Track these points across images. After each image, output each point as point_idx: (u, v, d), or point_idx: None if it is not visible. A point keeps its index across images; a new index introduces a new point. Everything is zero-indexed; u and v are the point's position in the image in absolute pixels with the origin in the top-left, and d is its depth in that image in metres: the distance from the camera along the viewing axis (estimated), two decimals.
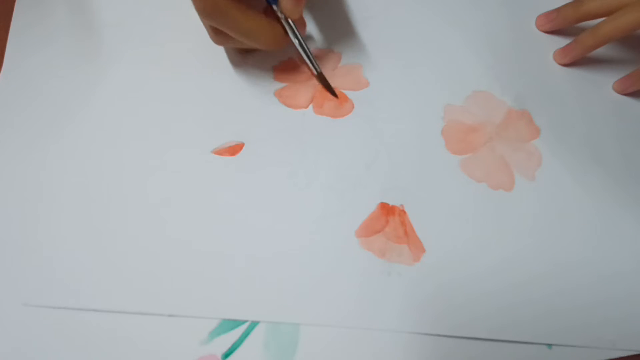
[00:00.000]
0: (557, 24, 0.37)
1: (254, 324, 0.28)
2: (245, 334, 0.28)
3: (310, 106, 0.34)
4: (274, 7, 0.31)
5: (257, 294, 0.29)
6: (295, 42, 0.32)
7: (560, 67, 0.37)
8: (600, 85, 0.37)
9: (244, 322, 0.28)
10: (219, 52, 0.35)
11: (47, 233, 0.30)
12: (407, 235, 0.31)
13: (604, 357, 0.29)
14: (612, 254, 0.31)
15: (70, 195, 0.31)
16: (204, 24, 0.31)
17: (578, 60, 0.37)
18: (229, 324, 0.28)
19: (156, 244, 0.30)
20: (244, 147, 0.33)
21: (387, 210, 0.32)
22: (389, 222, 0.31)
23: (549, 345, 0.29)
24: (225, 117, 0.34)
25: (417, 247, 0.31)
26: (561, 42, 0.37)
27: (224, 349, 0.28)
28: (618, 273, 0.31)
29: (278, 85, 0.35)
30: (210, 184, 0.32)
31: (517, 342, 0.29)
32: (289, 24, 0.31)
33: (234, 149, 0.33)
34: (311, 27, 0.37)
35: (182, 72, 0.35)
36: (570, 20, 0.36)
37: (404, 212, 0.32)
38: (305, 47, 0.33)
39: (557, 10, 0.37)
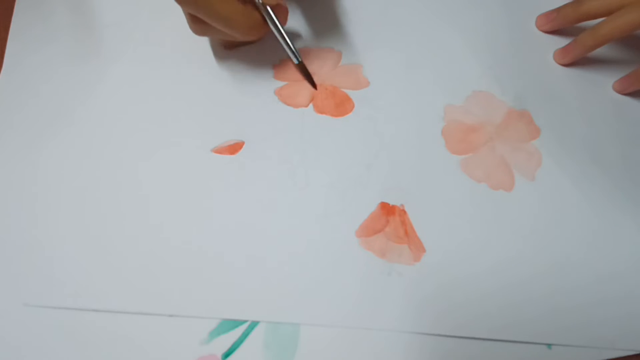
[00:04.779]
0: (557, 24, 0.37)
1: (254, 324, 0.28)
2: (245, 334, 0.28)
3: (311, 105, 0.34)
4: None
5: (257, 294, 0.29)
6: (274, 29, 0.32)
7: (560, 67, 0.37)
8: (600, 85, 0.37)
9: (244, 322, 0.28)
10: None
11: (47, 233, 0.30)
12: (408, 235, 0.31)
13: (604, 357, 0.29)
14: (611, 253, 0.31)
15: (70, 194, 0.31)
16: (183, 11, 0.31)
17: (578, 60, 0.37)
18: (229, 324, 0.28)
19: (156, 244, 0.30)
20: (243, 146, 0.33)
21: (387, 210, 0.32)
22: (389, 222, 0.31)
23: (549, 345, 0.29)
24: (225, 115, 0.34)
25: (417, 247, 0.31)
26: (561, 42, 0.37)
27: (224, 349, 0.28)
28: (618, 273, 0.31)
29: (278, 83, 0.35)
30: (210, 182, 0.32)
31: (517, 342, 0.29)
32: (267, 11, 0.31)
33: (233, 148, 0.33)
34: (311, 27, 0.37)
35: (181, 71, 0.35)
36: (570, 20, 0.36)
37: (404, 212, 0.32)
38: (284, 36, 0.32)
39: (557, 10, 0.37)
